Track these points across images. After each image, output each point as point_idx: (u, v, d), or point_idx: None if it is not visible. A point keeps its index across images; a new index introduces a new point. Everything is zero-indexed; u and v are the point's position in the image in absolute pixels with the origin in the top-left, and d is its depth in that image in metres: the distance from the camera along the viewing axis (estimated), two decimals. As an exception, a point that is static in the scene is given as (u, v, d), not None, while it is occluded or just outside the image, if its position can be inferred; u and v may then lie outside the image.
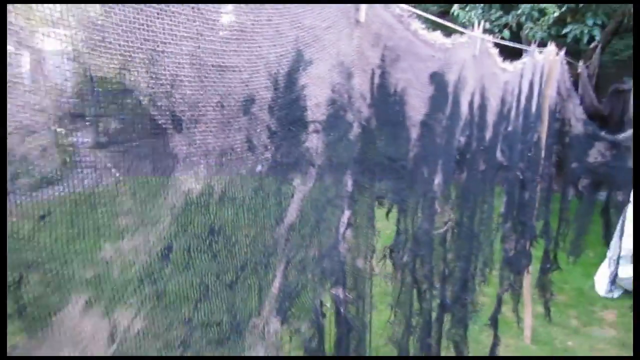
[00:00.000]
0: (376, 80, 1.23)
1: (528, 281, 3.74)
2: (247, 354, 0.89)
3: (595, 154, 3.77)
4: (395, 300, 1.54)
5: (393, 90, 1.32)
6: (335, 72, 1.06)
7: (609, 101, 5.11)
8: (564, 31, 5.44)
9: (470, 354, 2.85)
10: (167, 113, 0.68)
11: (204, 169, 0.75)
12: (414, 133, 1.48)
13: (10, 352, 0.56)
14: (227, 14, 0.80)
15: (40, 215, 0.58)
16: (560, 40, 4.94)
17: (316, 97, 1.00)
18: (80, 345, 0.61)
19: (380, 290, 1.56)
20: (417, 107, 1.47)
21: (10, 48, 0.58)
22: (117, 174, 0.66)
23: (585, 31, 5.25)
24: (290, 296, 0.99)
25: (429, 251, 1.66)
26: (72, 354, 0.61)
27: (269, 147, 0.88)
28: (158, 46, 0.67)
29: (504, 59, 2.39)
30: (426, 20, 1.48)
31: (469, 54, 1.83)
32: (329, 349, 1.14)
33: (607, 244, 4.59)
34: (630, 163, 3.68)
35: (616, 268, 4.13)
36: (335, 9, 1.01)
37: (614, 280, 4.19)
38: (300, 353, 1.06)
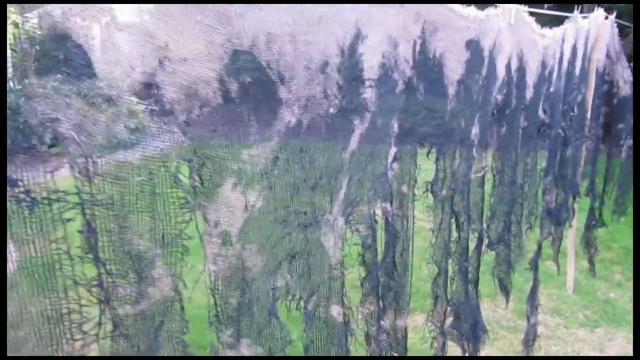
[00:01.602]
0: (417, 48, 1.61)
1: (572, 235, 4.01)
2: (322, 239, 1.32)
3: (642, 115, 3.93)
4: (437, 226, 1.94)
5: (432, 56, 1.69)
6: (384, 43, 1.44)
7: (668, 63, 5.13)
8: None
9: (511, 295, 3.18)
10: (276, 72, 1.10)
11: (297, 108, 1.17)
12: (452, 90, 1.84)
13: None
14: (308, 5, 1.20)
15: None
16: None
17: (370, 61, 1.40)
18: (230, 209, 1.06)
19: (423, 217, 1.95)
20: (454, 69, 1.84)
21: (78, 20, 0.90)
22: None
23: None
24: (352, 204, 1.41)
25: (467, 189, 2.03)
26: (224, 215, 1.06)
27: (338, 96, 1.29)
28: (269, 31, 1.09)
29: (546, 26, 2.67)
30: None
31: (504, 22, 2.15)
32: (379, 245, 1.56)
33: (659, 205, 4.73)
34: (676, 123, 3.83)
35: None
36: (384, -4, 1.40)
37: (656, 235, 4.36)
38: (359, 247, 1.49)
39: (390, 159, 1.54)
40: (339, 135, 1.33)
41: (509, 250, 2.58)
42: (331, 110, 1.28)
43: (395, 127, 1.55)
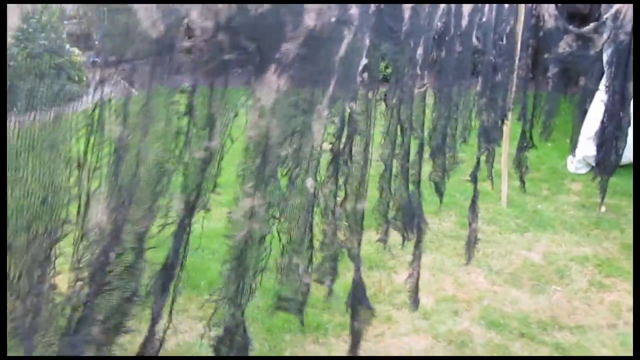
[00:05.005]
0: None
1: (505, 156, 4.68)
2: (312, 124, 1.81)
3: (564, 45, 4.59)
4: (386, 130, 2.47)
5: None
6: None
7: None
8: None
9: (445, 201, 3.70)
10: None
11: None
12: (407, 14, 2.33)
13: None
14: None
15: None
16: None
17: None
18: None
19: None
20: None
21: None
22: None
23: None
24: (333, 100, 1.90)
25: (411, 100, 2.56)
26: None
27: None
28: None
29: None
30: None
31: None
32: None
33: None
34: (592, 52, 4.53)
35: (579, 146, 5.09)
36: None
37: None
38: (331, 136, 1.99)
39: (360, 68, 2.04)
40: (335, 43, 1.79)
41: (444, 158, 3.16)
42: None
43: (367, 41, 2.03)
